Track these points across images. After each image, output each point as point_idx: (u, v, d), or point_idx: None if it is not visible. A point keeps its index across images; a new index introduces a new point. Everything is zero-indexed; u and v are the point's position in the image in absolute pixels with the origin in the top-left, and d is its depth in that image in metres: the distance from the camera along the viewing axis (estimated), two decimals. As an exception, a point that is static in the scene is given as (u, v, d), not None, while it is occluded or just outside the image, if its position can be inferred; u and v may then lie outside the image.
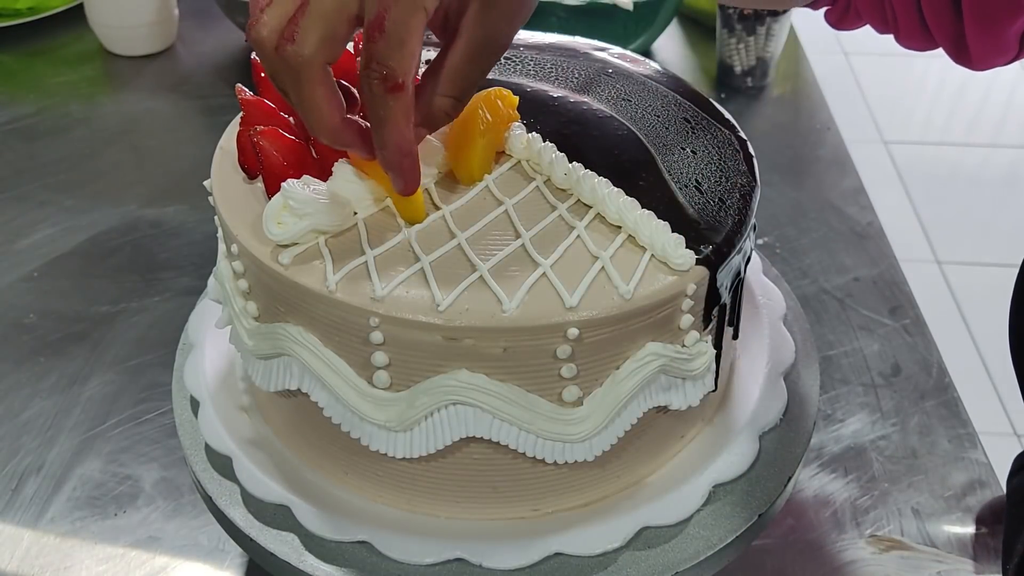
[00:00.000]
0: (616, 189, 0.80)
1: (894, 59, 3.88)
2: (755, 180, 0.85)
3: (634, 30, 1.66)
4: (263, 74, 0.87)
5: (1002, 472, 1.00)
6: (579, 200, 0.81)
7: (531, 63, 0.97)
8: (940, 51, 0.92)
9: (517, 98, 0.87)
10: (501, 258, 0.75)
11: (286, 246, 0.76)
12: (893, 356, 1.17)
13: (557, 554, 0.81)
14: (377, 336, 0.73)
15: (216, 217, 0.82)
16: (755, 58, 1.65)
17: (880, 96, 3.80)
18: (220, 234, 0.84)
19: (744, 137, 0.90)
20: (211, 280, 0.91)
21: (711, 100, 0.95)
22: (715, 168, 0.85)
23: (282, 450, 0.89)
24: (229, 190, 0.82)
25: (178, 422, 0.90)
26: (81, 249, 1.32)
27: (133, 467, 1.02)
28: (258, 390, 0.89)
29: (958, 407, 1.11)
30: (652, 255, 0.77)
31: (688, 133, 0.89)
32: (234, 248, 0.78)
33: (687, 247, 0.76)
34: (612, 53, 1.01)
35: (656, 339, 0.78)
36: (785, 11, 1.59)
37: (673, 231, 0.77)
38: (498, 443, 0.77)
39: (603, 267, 0.75)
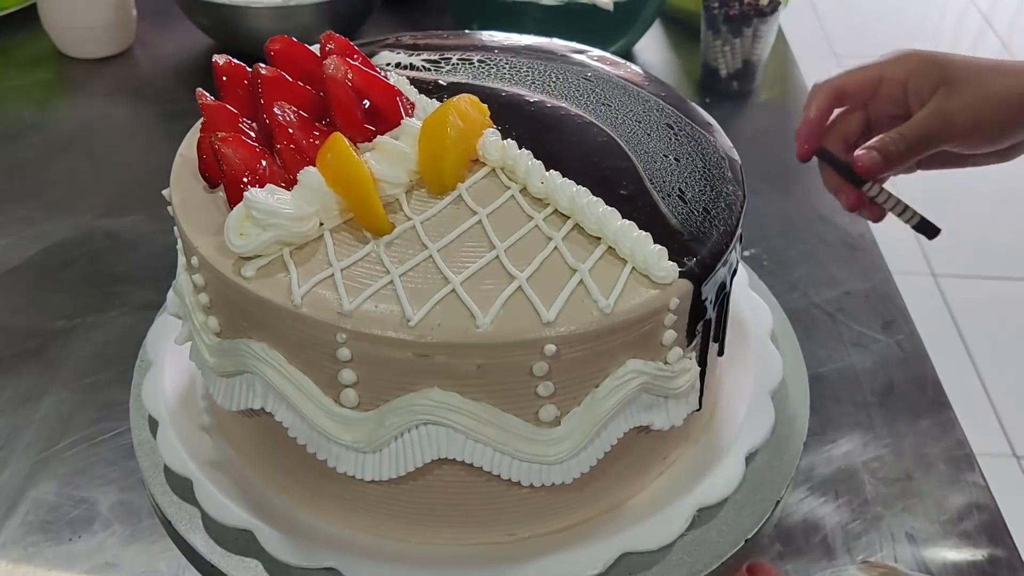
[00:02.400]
0: (595, 198, 0.80)
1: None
2: (742, 189, 0.86)
3: (615, 31, 1.67)
4: (224, 77, 0.88)
5: (1000, 494, 1.00)
6: (556, 210, 0.82)
7: (506, 67, 0.98)
8: None
9: (486, 106, 0.87)
10: (475, 271, 0.76)
11: (249, 258, 0.76)
12: (886, 373, 1.17)
13: None
14: (344, 352, 0.73)
15: (176, 228, 0.83)
16: (741, 61, 1.66)
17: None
18: (180, 246, 0.84)
19: (730, 144, 0.90)
20: (170, 294, 0.91)
21: (695, 105, 0.95)
22: (699, 176, 0.86)
23: (245, 472, 0.89)
24: (189, 199, 0.83)
25: (136, 443, 0.90)
26: (34, 261, 1.32)
27: (89, 490, 1.02)
28: (220, 409, 0.89)
29: (954, 427, 1.11)
30: (633, 268, 0.77)
31: (671, 140, 0.90)
32: (194, 260, 0.79)
33: (670, 259, 0.77)
34: (591, 56, 1.01)
35: (637, 356, 0.78)
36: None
37: (655, 242, 0.78)
38: (471, 465, 0.78)
39: (581, 280, 0.75)
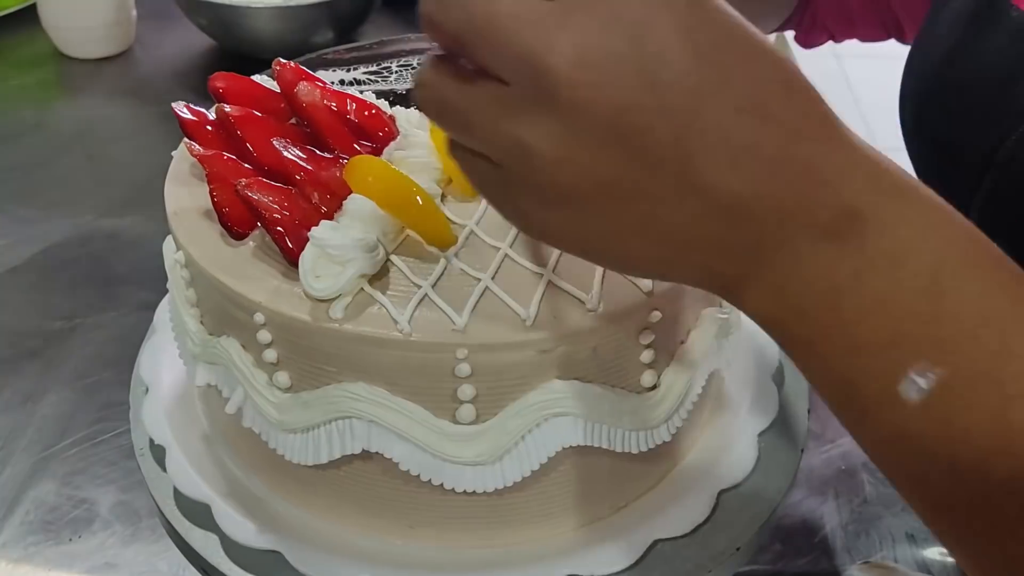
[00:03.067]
0: None
1: (889, 62, 3.87)
2: None
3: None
4: (190, 129, 0.85)
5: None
6: None
7: None
8: None
9: None
10: (556, 258, 0.76)
11: (326, 300, 0.74)
12: (886, 373, 1.17)
13: None
14: (464, 368, 0.72)
15: (200, 292, 0.81)
16: (742, 62, 1.66)
17: (874, 102, 3.80)
18: (216, 309, 0.81)
19: None
20: (200, 369, 0.86)
21: None
22: None
23: (262, 490, 0.88)
24: (215, 255, 0.79)
25: (136, 445, 0.90)
26: (34, 261, 1.32)
27: (89, 490, 1.02)
28: (224, 424, 0.89)
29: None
30: None
31: None
32: (257, 317, 0.75)
33: None
34: None
35: (709, 305, 0.82)
36: None
37: None
38: (592, 446, 0.78)
39: None
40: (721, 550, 0.84)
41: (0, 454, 1.05)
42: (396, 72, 0.96)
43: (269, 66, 0.94)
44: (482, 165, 0.57)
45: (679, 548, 0.84)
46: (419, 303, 0.73)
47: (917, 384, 0.51)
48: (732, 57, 0.53)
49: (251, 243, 0.80)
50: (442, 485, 0.77)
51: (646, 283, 0.74)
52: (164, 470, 0.89)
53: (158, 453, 0.90)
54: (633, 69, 0.51)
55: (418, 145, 0.84)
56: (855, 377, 0.54)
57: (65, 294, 1.26)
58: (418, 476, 0.77)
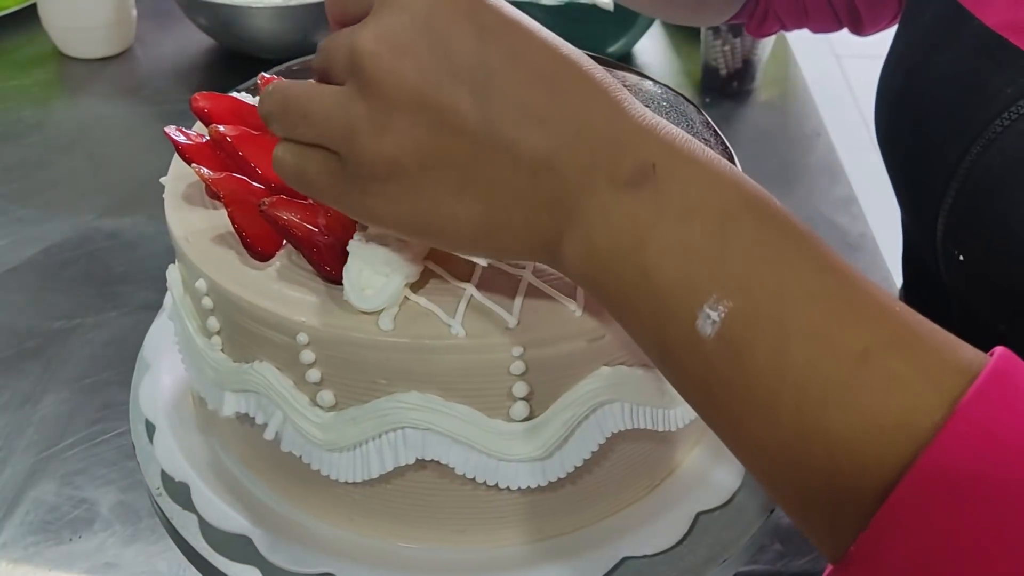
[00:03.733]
0: None
1: (888, 62, 3.88)
2: (728, 148, 0.89)
3: (614, 32, 1.67)
4: (187, 152, 0.84)
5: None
6: None
7: None
8: None
9: None
10: None
11: (372, 313, 0.73)
12: (886, 373, 1.17)
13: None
14: (519, 366, 0.72)
15: (225, 319, 0.79)
16: (741, 60, 1.66)
17: (873, 101, 3.80)
18: (245, 335, 0.78)
19: (666, 86, 0.94)
20: (229, 397, 0.82)
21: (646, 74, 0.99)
22: (672, 113, 0.91)
23: (243, 478, 0.88)
24: (243, 280, 0.77)
25: (137, 445, 0.90)
26: (34, 261, 1.32)
27: (89, 490, 1.02)
28: (246, 451, 0.88)
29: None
30: None
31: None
32: (300, 338, 0.73)
33: None
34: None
35: None
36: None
37: None
38: (648, 430, 0.78)
39: None
40: (758, 513, 0.84)
41: (0, 454, 1.05)
42: None
43: (269, 66, 0.94)
44: (318, 156, 0.63)
45: (719, 517, 0.85)
46: (467, 305, 0.73)
47: (710, 318, 0.55)
48: (516, 37, 0.59)
49: (277, 263, 0.78)
50: (496, 485, 0.77)
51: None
52: (187, 507, 0.88)
53: (177, 490, 0.89)
54: (425, 44, 0.58)
55: None
56: (662, 323, 0.58)
57: (65, 294, 1.26)
58: (473, 479, 0.76)
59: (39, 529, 0.98)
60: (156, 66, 1.77)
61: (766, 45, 1.66)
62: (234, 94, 0.92)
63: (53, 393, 1.12)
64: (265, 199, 0.75)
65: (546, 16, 1.59)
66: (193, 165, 0.82)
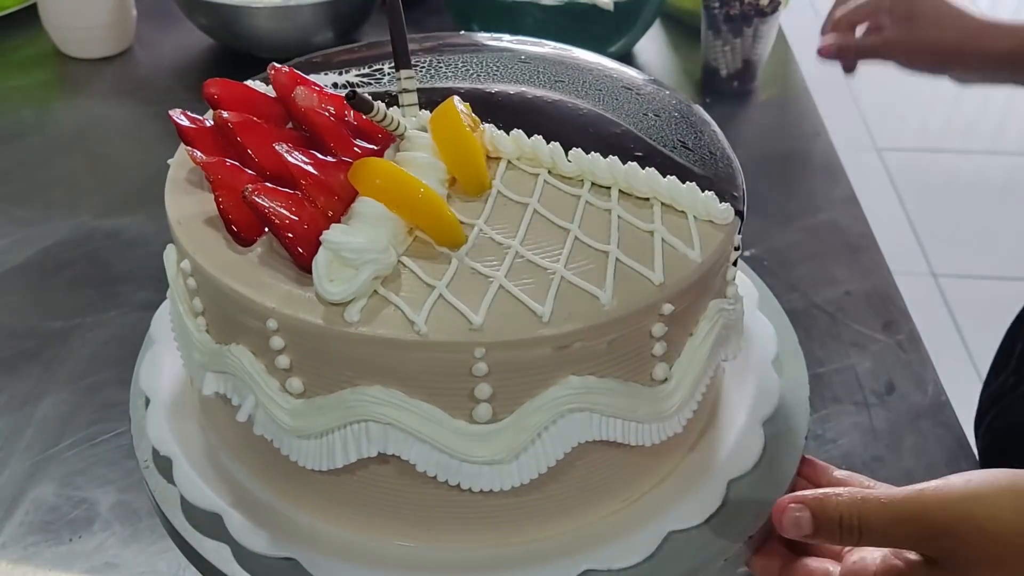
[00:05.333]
0: (631, 163, 0.83)
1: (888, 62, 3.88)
2: (715, 126, 0.90)
3: (615, 31, 1.67)
4: (190, 136, 0.85)
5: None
6: (594, 184, 0.84)
7: (441, 66, 0.98)
8: None
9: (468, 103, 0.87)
10: (567, 255, 0.77)
11: (340, 304, 0.73)
12: (887, 373, 1.17)
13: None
14: (481, 368, 0.72)
15: (207, 300, 0.80)
16: (742, 60, 1.66)
17: (873, 100, 3.81)
18: (224, 317, 0.80)
19: (672, 88, 0.94)
20: (208, 377, 0.84)
21: (623, 65, 0.99)
22: (683, 124, 0.90)
23: (224, 457, 0.88)
24: (223, 263, 0.78)
25: (136, 445, 0.90)
26: (34, 261, 1.32)
27: (89, 490, 1.02)
28: (230, 434, 0.88)
29: (955, 427, 1.11)
30: (695, 217, 0.81)
31: (638, 99, 0.92)
32: (270, 324, 0.74)
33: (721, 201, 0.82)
34: (508, 40, 1.03)
35: (716, 296, 0.82)
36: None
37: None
38: (611, 441, 0.79)
39: (663, 239, 0.79)
40: (732, 539, 0.84)
41: (0, 454, 1.05)
42: (389, 74, 0.96)
43: (268, 66, 0.94)
44: None
45: (692, 539, 0.84)
46: (434, 303, 0.73)
47: None
48: None
49: (258, 249, 0.79)
50: (459, 485, 0.77)
51: (658, 276, 0.75)
52: (171, 482, 0.88)
53: (164, 464, 0.90)
54: None
55: (421, 146, 0.84)
56: None
57: (65, 294, 1.26)
58: (435, 477, 0.77)
59: (39, 529, 0.98)
60: (156, 66, 1.78)
61: (766, 45, 1.66)
62: (249, 83, 0.93)
63: (52, 394, 1.12)
64: (250, 186, 0.76)
65: (546, 16, 1.59)
66: (186, 148, 0.82)
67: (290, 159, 0.78)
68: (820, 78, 1.35)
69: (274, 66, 0.90)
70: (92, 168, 1.52)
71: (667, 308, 0.75)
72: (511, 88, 0.94)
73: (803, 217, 1.43)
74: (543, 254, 0.77)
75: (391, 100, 0.90)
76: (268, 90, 0.91)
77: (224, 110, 0.84)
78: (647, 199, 0.82)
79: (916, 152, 3.56)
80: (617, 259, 0.76)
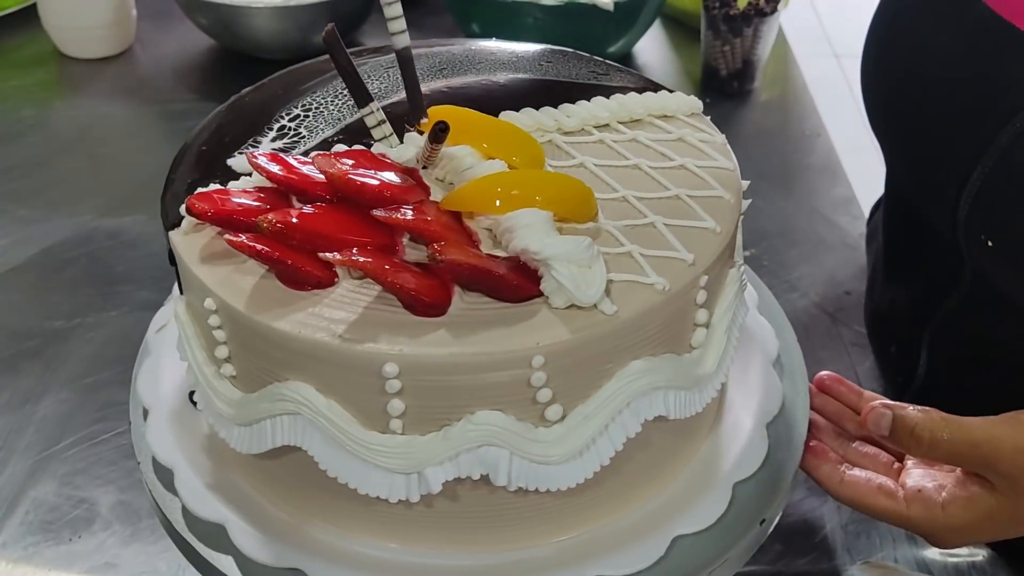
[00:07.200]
0: (615, 95, 0.91)
1: (888, 62, 3.87)
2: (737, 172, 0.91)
3: (614, 32, 1.67)
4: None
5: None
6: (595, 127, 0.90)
7: (371, 79, 0.97)
8: None
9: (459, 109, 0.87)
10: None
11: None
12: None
13: None
14: (540, 376, 0.72)
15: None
16: (741, 61, 1.66)
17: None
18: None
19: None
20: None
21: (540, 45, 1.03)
22: (570, 60, 1.00)
23: (224, 467, 0.88)
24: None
25: (136, 447, 0.90)
26: (34, 261, 1.32)
27: (89, 490, 1.02)
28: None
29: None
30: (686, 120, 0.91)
31: (527, 57, 1.00)
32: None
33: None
34: (451, 42, 1.05)
35: (731, 266, 0.85)
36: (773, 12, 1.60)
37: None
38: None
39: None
40: (739, 540, 0.83)
41: (0, 454, 1.05)
42: (310, 124, 0.90)
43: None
44: None
45: (699, 542, 0.84)
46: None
47: None
48: None
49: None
50: (536, 489, 0.76)
51: (688, 254, 0.76)
52: (174, 493, 0.88)
53: (165, 475, 0.89)
54: None
55: (459, 158, 0.82)
56: None
57: (65, 294, 1.26)
58: (521, 487, 0.75)
59: (39, 529, 0.98)
60: (156, 66, 1.77)
61: (766, 45, 1.66)
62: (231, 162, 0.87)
63: (53, 393, 1.12)
64: (437, 255, 0.70)
65: (546, 16, 1.58)
66: (335, 256, 0.71)
67: (402, 217, 0.75)
68: (820, 78, 1.35)
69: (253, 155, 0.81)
70: (93, 168, 1.52)
71: (703, 280, 0.77)
72: (439, 84, 0.95)
73: (803, 217, 1.43)
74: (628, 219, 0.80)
75: (351, 134, 0.89)
76: (251, 182, 0.84)
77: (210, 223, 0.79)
78: (639, 120, 0.90)
79: (916, 152, 3.54)
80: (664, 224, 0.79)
